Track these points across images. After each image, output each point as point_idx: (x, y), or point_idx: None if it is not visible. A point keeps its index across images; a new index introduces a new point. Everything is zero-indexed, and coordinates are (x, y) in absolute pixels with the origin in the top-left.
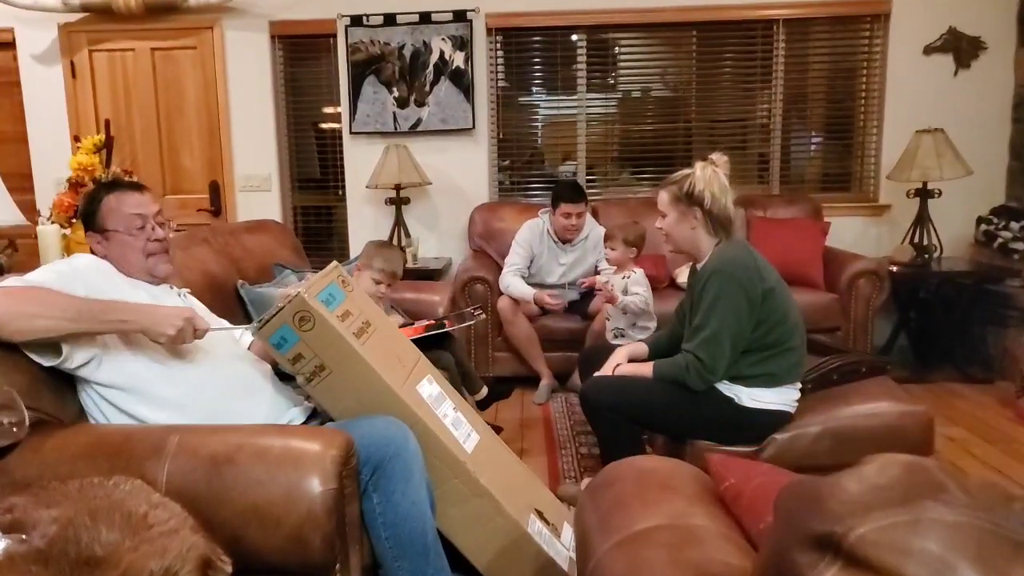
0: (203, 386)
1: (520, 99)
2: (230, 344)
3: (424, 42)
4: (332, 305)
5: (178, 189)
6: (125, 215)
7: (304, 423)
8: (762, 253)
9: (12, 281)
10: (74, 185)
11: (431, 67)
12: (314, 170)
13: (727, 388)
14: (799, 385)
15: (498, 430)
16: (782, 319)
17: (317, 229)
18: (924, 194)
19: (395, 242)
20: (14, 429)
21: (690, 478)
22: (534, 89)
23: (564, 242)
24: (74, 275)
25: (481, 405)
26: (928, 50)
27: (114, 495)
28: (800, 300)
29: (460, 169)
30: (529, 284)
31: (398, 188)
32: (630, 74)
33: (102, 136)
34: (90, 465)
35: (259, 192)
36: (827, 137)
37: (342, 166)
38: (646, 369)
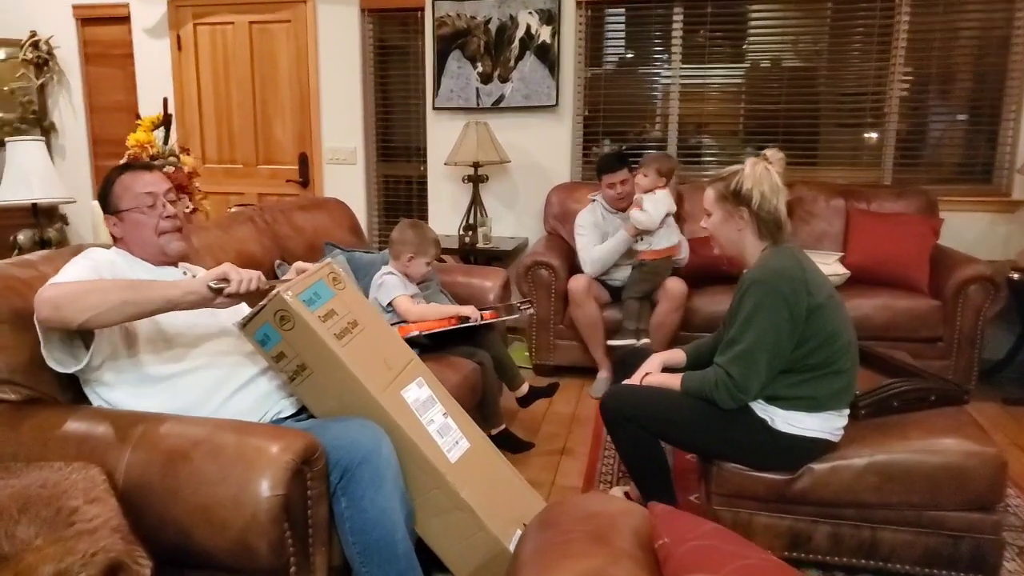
0: (195, 369)
1: (609, 74)
2: (231, 328)
3: (511, 16)
4: (315, 304)
5: (270, 160)
6: (136, 194)
7: (294, 415)
8: (861, 251)
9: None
10: None
11: (516, 42)
12: (407, 141)
13: (761, 409)
14: (846, 412)
15: (554, 388)
16: (830, 339)
17: (406, 202)
18: None
19: (470, 221)
20: None
21: (632, 530)
22: (624, 63)
23: (621, 211)
24: (99, 268)
25: (522, 402)
26: None
27: (61, 485)
28: (897, 305)
29: (542, 147)
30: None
31: (476, 166)
32: (730, 46)
33: (160, 114)
34: (60, 448)
35: (345, 165)
36: (953, 122)
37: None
38: (675, 381)
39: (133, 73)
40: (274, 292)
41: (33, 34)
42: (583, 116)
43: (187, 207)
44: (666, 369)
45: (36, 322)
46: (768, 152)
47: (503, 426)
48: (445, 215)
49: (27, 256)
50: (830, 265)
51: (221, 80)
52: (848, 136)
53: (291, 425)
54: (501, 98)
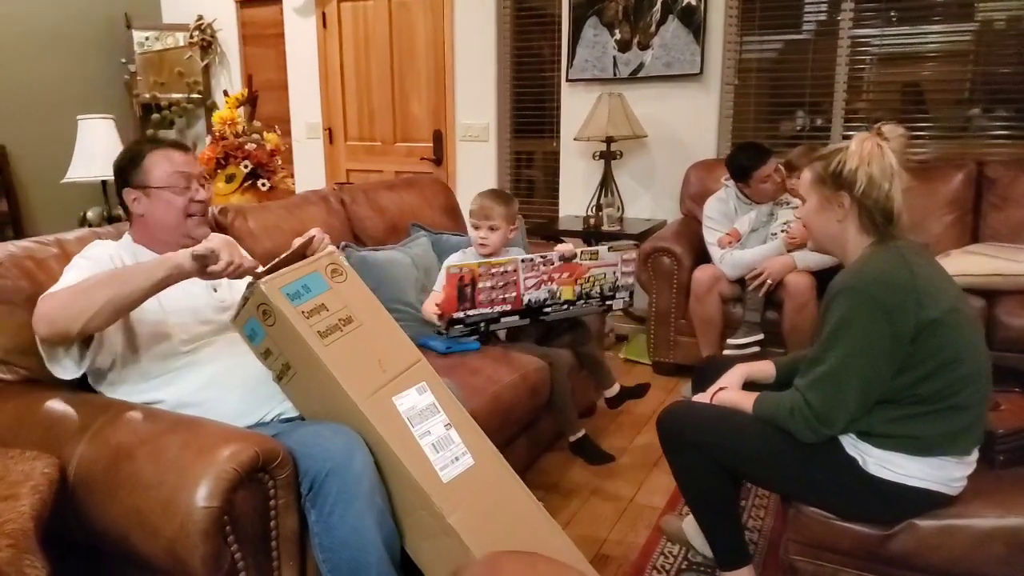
0: (194, 364)
1: (766, 38)
2: None
3: None
4: (301, 298)
5: (406, 137)
6: (170, 172)
7: (298, 416)
8: None
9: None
10: (217, 139)
11: (659, 5)
12: (542, 116)
13: (852, 445)
14: (969, 459)
15: (643, 389)
16: (948, 365)
17: (539, 180)
18: None
19: (598, 201)
20: None
21: None
22: (781, 27)
23: (759, 204)
24: (98, 264)
25: (611, 403)
26: None
27: None
28: None
29: (684, 120)
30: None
31: (609, 141)
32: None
33: (245, 91)
34: (27, 435)
35: (477, 142)
36: None
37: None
38: (749, 401)
39: (284, 52)
40: (256, 283)
41: (200, 18)
42: (733, 85)
43: (211, 194)
44: (749, 385)
45: (37, 341)
46: (885, 127)
47: (582, 432)
48: (576, 194)
49: (60, 235)
50: None
51: (362, 57)
52: None
53: (280, 428)
54: (640, 67)
